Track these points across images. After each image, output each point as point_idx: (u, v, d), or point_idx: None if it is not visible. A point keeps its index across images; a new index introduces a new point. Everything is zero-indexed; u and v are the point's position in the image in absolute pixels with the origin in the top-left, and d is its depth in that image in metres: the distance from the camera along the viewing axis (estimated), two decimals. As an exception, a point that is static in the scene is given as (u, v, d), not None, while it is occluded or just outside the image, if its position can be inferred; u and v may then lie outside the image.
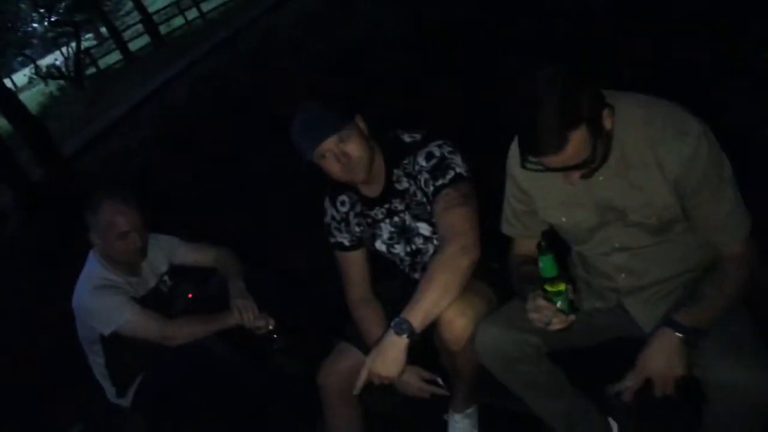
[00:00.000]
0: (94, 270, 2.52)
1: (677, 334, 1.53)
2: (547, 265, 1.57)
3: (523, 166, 1.55)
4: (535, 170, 1.53)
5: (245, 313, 2.48)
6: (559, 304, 1.59)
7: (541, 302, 1.59)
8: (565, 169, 1.50)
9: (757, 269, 1.60)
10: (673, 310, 1.59)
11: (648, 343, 1.57)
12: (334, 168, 1.95)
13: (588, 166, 1.51)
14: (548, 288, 1.59)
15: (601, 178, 1.60)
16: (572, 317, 1.62)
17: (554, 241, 1.70)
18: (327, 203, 2.20)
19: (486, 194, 1.96)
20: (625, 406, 1.71)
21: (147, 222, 2.54)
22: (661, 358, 1.54)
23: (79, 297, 2.48)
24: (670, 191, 1.57)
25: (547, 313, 1.59)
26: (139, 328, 2.46)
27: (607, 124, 1.51)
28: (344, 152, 1.92)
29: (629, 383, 1.60)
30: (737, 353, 1.47)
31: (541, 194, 1.75)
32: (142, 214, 2.51)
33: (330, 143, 1.91)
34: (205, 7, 22.42)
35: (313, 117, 1.94)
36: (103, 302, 2.45)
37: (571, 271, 1.91)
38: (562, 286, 1.59)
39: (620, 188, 1.61)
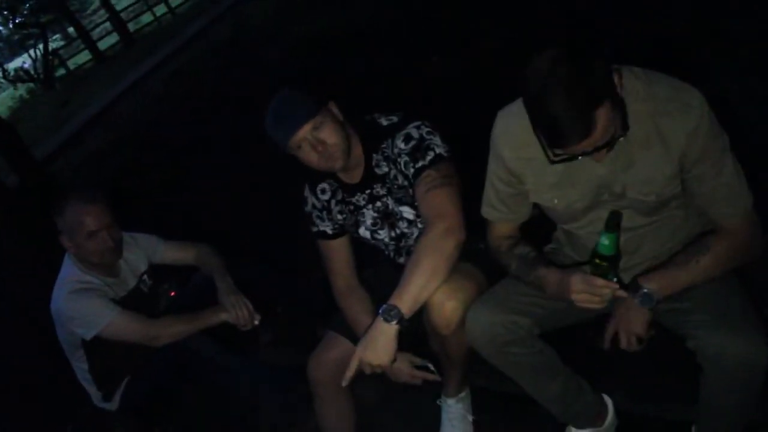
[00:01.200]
0: (70, 273, 2.45)
1: (633, 297, 1.61)
2: (612, 243, 1.52)
3: (552, 162, 1.48)
4: (564, 161, 1.47)
5: (239, 310, 2.43)
6: (615, 280, 1.57)
7: (599, 281, 1.54)
8: (596, 150, 1.42)
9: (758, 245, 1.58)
10: (642, 274, 1.63)
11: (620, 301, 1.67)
12: (311, 158, 1.91)
13: (616, 140, 1.46)
14: (604, 264, 1.54)
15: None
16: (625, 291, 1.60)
17: (620, 222, 1.63)
18: (307, 192, 2.16)
19: (469, 173, 1.92)
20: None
21: (118, 220, 2.47)
22: (623, 316, 1.68)
23: (58, 302, 2.41)
24: (673, 166, 1.53)
25: (606, 291, 1.55)
26: (121, 330, 2.39)
27: (620, 90, 1.44)
28: (320, 140, 1.88)
29: (606, 334, 1.73)
30: (729, 324, 1.46)
31: (534, 176, 1.69)
32: (111, 212, 2.44)
33: (304, 132, 1.86)
34: (174, 1, 22.17)
35: (284, 107, 1.90)
36: (83, 306, 2.38)
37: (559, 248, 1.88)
38: (613, 263, 1.56)
39: (620, 165, 1.56)
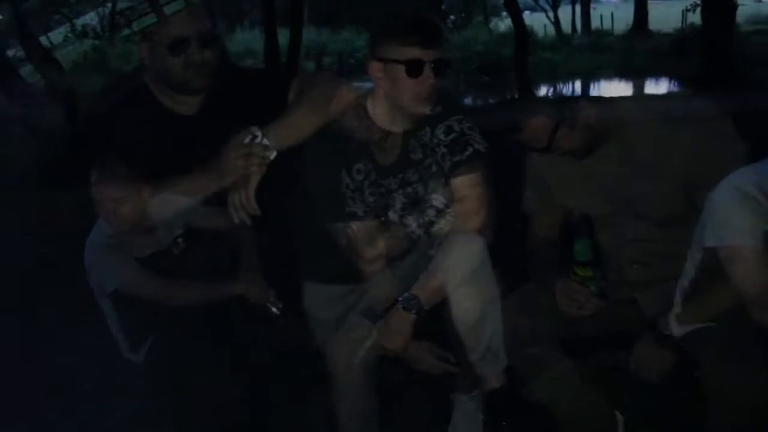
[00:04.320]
0: (102, 229, 2.53)
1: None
2: (583, 248, 1.54)
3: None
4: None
5: (252, 288, 2.49)
6: (592, 288, 1.55)
7: (575, 286, 1.57)
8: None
9: None
10: None
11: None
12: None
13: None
14: (580, 272, 1.55)
15: (607, 167, 1.63)
16: (603, 302, 1.58)
17: (591, 225, 1.66)
18: (343, 173, 2.17)
19: (502, 175, 1.92)
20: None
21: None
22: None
23: (86, 253, 2.51)
24: (673, 187, 1.56)
25: (580, 297, 1.56)
26: (136, 288, 2.47)
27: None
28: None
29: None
30: (737, 354, 1.44)
31: (553, 175, 1.76)
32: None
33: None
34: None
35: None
36: (104, 261, 2.46)
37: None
38: (595, 271, 1.55)
39: (624, 177, 1.62)
